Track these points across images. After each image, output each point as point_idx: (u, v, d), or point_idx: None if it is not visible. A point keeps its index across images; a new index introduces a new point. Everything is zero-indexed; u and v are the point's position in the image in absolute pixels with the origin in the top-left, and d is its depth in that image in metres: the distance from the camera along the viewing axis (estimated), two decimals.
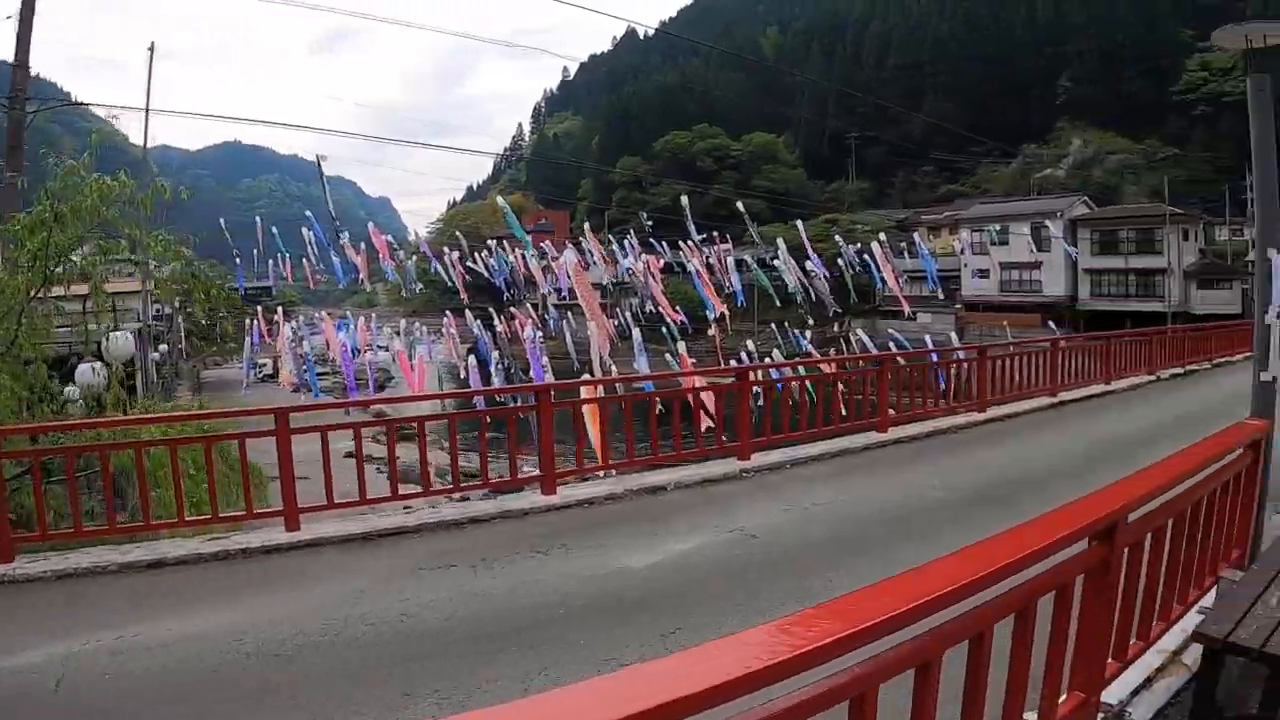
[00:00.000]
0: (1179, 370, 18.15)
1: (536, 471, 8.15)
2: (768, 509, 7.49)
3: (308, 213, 26.42)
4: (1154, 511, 3.49)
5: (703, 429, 9.60)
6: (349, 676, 4.44)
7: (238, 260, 28.92)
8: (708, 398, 9.97)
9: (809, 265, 23.60)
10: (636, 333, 21.26)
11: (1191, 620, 4.11)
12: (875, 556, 5.91)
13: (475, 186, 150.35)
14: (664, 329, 21.77)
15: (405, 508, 7.67)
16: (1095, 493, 3.12)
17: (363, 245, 25.07)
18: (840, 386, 11.43)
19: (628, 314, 24.08)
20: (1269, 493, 5.05)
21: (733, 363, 19.24)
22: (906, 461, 9.59)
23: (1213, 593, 4.46)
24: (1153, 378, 17.06)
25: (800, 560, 6.04)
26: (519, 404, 11.12)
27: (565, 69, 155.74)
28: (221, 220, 28.20)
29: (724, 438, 9.70)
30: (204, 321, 34.64)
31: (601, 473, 9.24)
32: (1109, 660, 3.30)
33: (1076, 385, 14.70)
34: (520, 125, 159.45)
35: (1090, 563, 2.92)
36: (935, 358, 13.72)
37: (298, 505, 6.88)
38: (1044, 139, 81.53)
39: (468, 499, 9.31)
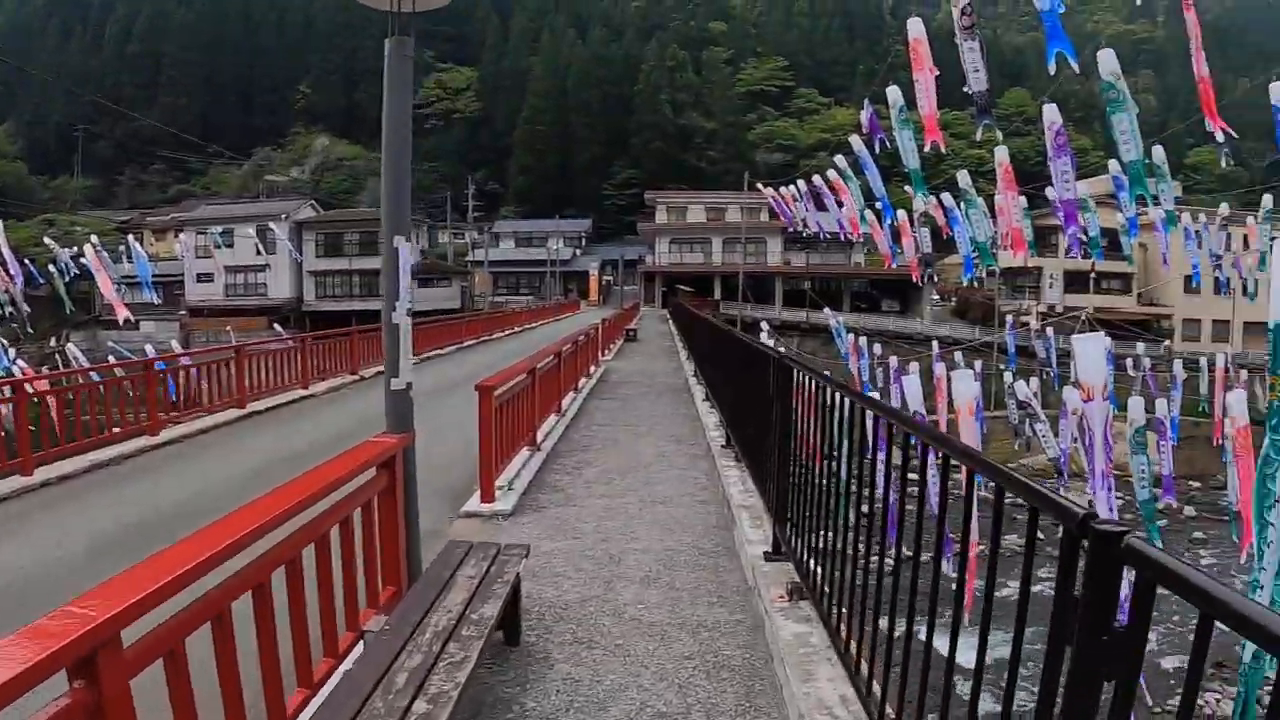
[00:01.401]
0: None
1: None
2: None
3: None
4: (214, 593, 2.41)
5: None
6: None
7: None
8: None
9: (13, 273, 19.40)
10: None
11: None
12: None
13: None
14: None
15: None
16: (61, 609, 1.84)
17: None
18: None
19: None
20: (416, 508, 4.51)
21: None
22: (49, 508, 7.58)
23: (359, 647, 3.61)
24: (356, 377, 16.57)
25: None
26: None
27: None
28: None
29: None
30: None
31: None
32: None
33: (272, 392, 13.69)
34: None
35: (67, 713, 1.77)
36: (98, 377, 10.87)
37: None
38: (279, 143, 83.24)
39: None
